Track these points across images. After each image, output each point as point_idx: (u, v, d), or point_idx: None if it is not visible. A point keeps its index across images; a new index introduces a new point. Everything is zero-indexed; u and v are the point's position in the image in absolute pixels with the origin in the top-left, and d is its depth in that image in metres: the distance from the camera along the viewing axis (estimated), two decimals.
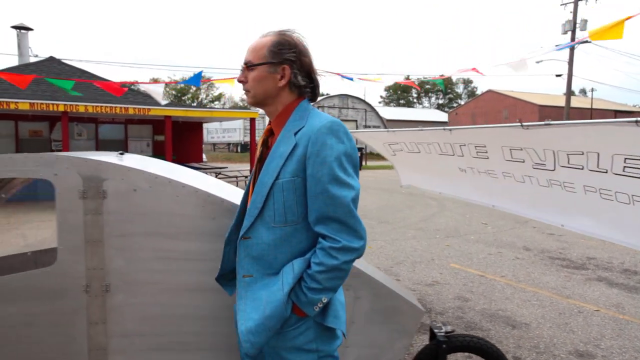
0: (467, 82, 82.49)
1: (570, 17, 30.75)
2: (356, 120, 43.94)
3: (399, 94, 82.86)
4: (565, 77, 31.13)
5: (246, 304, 1.57)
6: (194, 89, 75.23)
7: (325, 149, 1.49)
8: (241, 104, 71.20)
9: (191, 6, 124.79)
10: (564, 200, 3.41)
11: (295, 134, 1.56)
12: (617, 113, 51.61)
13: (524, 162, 3.62)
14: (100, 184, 2.14)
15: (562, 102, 48.95)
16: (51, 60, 14.57)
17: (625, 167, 2.73)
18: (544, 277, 5.73)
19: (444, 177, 4.65)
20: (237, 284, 1.63)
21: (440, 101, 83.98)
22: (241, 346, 1.66)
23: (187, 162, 13.28)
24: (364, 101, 44.51)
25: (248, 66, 1.62)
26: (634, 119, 2.42)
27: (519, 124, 3.25)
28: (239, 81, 1.66)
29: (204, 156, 18.87)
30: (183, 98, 56.62)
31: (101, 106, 11.22)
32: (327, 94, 42.09)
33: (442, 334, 2.55)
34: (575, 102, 45.73)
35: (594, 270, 5.99)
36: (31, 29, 14.86)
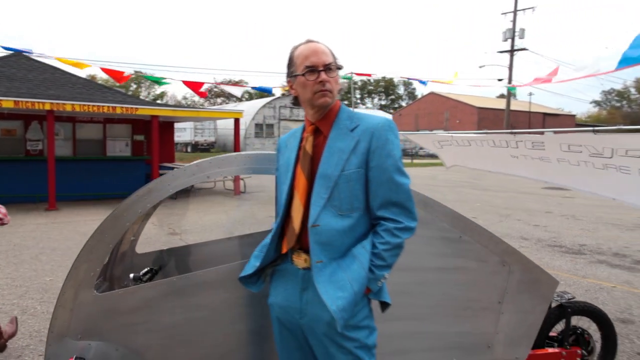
0: (407, 84, 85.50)
1: (510, 25, 33.02)
2: None
3: (343, 94, 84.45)
4: (505, 81, 33.35)
5: (326, 287, 1.62)
6: (134, 86, 72.65)
7: (388, 144, 1.70)
8: (184, 102, 69.66)
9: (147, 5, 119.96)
10: (619, 180, 4.01)
11: (352, 130, 1.73)
12: (545, 115, 55.72)
13: (581, 152, 4.24)
14: None
15: (497, 105, 52.23)
16: (18, 55, 13.87)
17: None
18: (555, 261, 6.52)
19: (494, 160, 5.24)
20: (312, 270, 1.67)
21: (383, 102, 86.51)
22: (310, 327, 1.74)
23: (160, 162, 13.17)
24: None
25: (337, 68, 1.76)
26: None
27: (592, 129, 3.88)
28: (323, 81, 1.71)
29: None
30: None
31: (88, 105, 10.92)
32: (273, 95, 42.35)
33: (566, 300, 3.10)
34: (515, 106, 48.98)
35: (592, 255, 6.87)
36: None
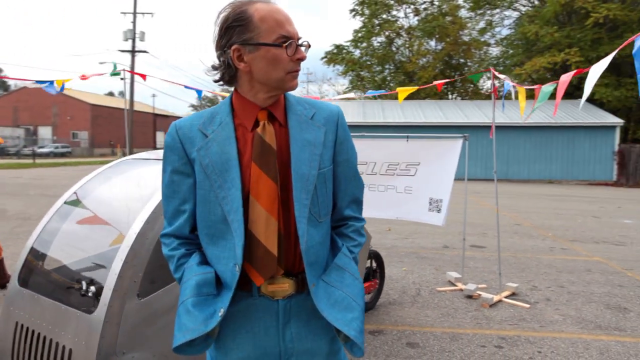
0: None
1: (131, 26, 33.60)
2: None
3: None
4: (127, 80, 33.79)
5: (330, 311, 1.32)
6: None
7: (349, 134, 1.44)
8: None
9: None
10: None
11: (311, 118, 1.38)
12: (156, 116, 59.06)
13: None
14: None
15: (110, 103, 51.88)
16: None
17: (387, 169, 5.39)
18: None
19: None
20: (313, 297, 1.33)
21: None
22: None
23: None
24: None
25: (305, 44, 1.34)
26: (405, 136, 5.20)
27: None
28: (301, 59, 1.31)
29: None
30: None
31: None
32: None
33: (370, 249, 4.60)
34: (117, 104, 49.43)
35: None
36: None
